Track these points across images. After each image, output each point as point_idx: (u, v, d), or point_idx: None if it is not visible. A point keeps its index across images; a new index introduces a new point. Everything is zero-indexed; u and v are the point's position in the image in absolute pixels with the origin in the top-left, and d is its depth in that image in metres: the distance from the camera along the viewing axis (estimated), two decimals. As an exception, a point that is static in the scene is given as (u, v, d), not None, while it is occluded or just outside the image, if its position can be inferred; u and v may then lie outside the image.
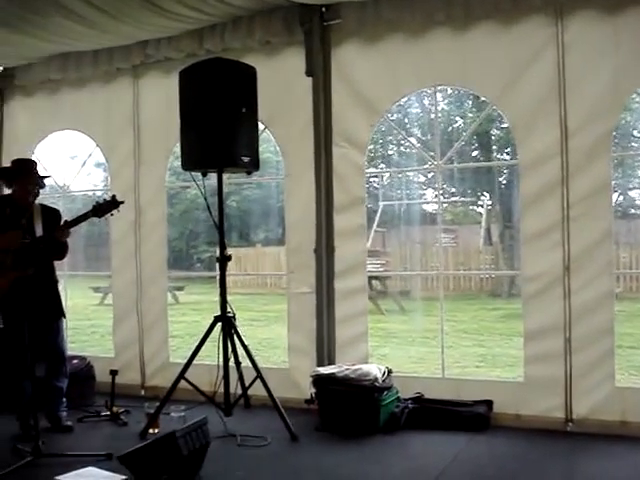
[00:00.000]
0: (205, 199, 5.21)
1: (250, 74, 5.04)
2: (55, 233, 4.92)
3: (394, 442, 4.86)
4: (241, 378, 5.22)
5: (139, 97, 6.57)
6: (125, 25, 5.59)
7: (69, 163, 7.51)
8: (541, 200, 5.07)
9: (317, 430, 5.13)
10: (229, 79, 4.90)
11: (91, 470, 4.27)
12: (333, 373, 5.17)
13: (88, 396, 6.03)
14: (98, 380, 6.26)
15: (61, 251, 5.17)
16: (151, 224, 6.52)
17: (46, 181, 5.29)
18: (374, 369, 5.17)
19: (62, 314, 5.31)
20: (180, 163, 5.17)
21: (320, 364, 5.56)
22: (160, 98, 6.32)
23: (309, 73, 5.63)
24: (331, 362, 5.60)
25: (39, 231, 4.97)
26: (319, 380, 5.23)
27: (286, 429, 4.94)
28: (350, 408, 5.07)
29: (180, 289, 16.02)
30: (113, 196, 4.90)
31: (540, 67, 5.04)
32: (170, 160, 6.59)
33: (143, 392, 6.47)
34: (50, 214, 5.20)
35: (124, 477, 4.05)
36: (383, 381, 5.14)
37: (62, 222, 4.99)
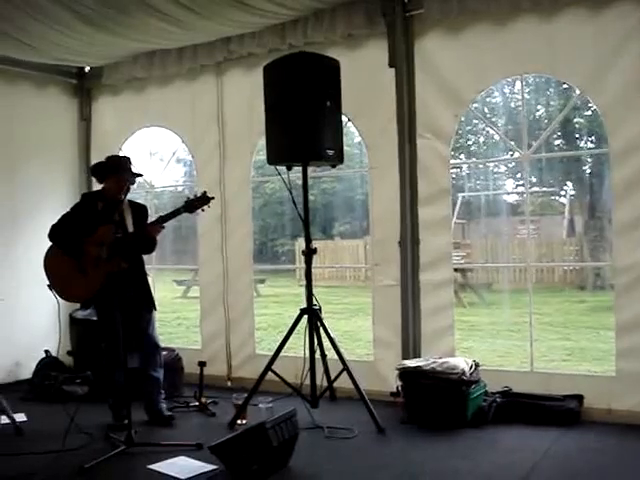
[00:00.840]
0: (290, 192, 5.22)
1: (333, 67, 5.04)
2: (148, 229, 5.02)
3: (482, 437, 4.78)
4: (327, 370, 5.24)
5: (223, 93, 6.66)
6: (209, 22, 5.65)
7: (151, 160, 7.60)
8: (635, 189, 4.90)
9: (403, 423, 5.09)
10: (313, 73, 4.91)
11: (182, 460, 4.36)
12: (419, 366, 5.13)
13: (177, 387, 6.15)
14: (186, 371, 6.39)
15: (151, 246, 5.27)
16: (237, 218, 6.61)
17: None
18: (461, 362, 5.10)
19: (154, 306, 5.42)
20: (264, 157, 5.22)
21: (405, 357, 5.53)
22: (243, 94, 6.39)
23: (392, 64, 5.60)
24: (417, 355, 5.56)
25: (130, 226, 5.09)
26: (405, 373, 5.19)
27: (372, 421, 4.94)
28: (437, 401, 5.02)
29: (262, 282, 16.18)
30: (204, 192, 4.97)
31: (631, 52, 4.87)
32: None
33: (229, 383, 6.57)
34: (138, 210, 5.32)
35: (215, 467, 4.12)
36: (471, 374, 5.06)
37: (156, 218, 5.07)
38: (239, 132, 6.55)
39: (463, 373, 4.99)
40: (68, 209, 5.30)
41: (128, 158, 5.32)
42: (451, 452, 4.47)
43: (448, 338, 5.67)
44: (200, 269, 7.16)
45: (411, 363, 5.24)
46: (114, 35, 5.92)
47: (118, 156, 5.49)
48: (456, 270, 13.57)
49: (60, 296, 5.04)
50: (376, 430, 4.89)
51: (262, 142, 5.52)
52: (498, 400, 5.11)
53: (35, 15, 5.25)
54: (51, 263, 5.11)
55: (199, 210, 4.94)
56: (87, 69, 7.57)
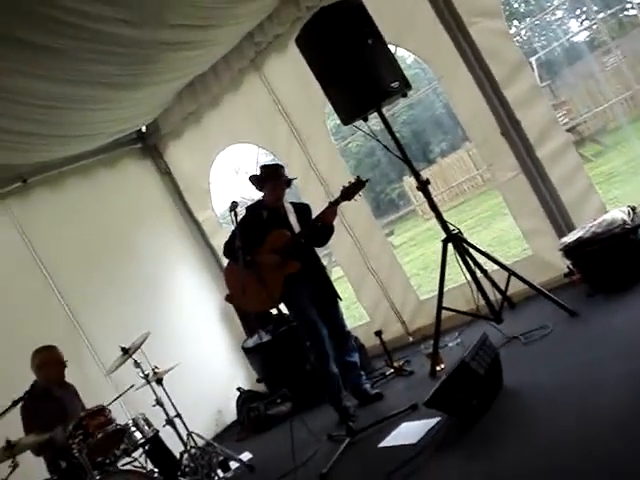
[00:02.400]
0: (378, 140, 5.16)
1: (358, 6, 4.89)
2: (324, 217, 5.05)
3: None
4: (494, 284, 5.14)
5: (271, 85, 6.64)
6: (222, 29, 5.62)
7: (239, 175, 7.80)
8: None
9: (589, 296, 4.94)
10: (341, 22, 4.77)
11: (405, 426, 4.40)
12: (580, 236, 4.94)
13: (366, 364, 6.21)
14: (367, 347, 6.46)
15: (328, 234, 5.30)
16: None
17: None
18: (617, 214, 4.87)
19: (338, 296, 5.46)
20: (338, 122, 5.17)
21: (562, 235, 5.34)
22: (290, 75, 6.35)
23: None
24: (571, 228, 5.36)
25: (296, 226, 5.23)
26: (570, 249, 5.01)
27: (561, 309, 4.81)
28: (612, 262, 4.80)
29: (391, 234, 16.12)
30: (357, 177, 5.00)
31: None
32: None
33: (411, 339, 6.59)
34: (301, 209, 5.43)
35: (437, 419, 4.13)
36: (632, 220, 4.84)
37: (327, 205, 5.09)
38: (304, 111, 6.52)
39: (624, 223, 4.77)
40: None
41: (280, 165, 5.42)
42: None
43: (593, 198, 5.46)
44: (332, 250, 7.21)
45: (570, 238, 5.05)
46: (149, 86, 5.99)
47: (270, 165, 5.52)
48: (567, 131, 13.12)
49: (247, 309, 5.23)
50: (568, 315, 4.76)
51: (329, 109, 5.48)
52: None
53: (72, 106, 5.35)
54: (230, 279, 5.32)
55: (356, 196, 4.96)
56: (144, 129, 7.73)
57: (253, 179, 5.32)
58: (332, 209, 5.01)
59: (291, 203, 5.39)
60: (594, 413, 3.26)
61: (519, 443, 3.37)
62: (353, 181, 4.95)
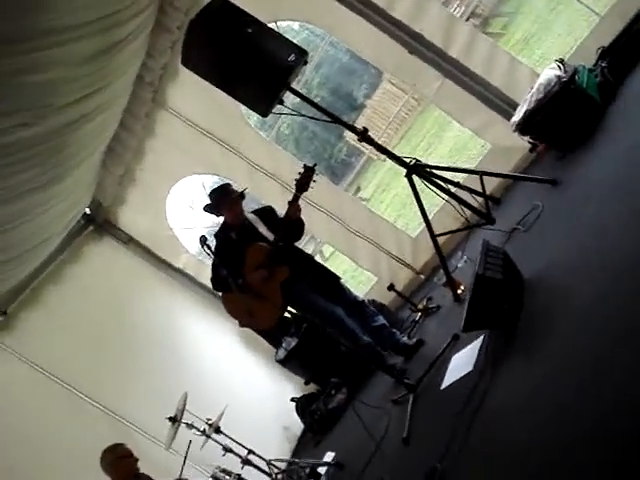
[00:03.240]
0: (302, 115, 5.15)
1: (222, 4, 4.78)
2: (288, 213, 5.02)
3: None
4: (471, 190, 5.06)
5: (181, 113, 6.57)
6: (116, 83, 5.55)
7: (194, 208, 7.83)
8: None
9: (560, 159, 4.89)
10: (214, 26, 4.63)
11: (456, 358, 4.37)
12: (526, 110, 4.86)
13: (395, 320, 6.21)
14: (387, 304, 6.49)
15: (300, 229, 5.31)
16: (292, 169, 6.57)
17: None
18: (549, 73, 4.85)
19: (335, 276, 5.50)
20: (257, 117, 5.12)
21: (510, 117, 5.29)
22: (192, 95, 6.29)
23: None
24: (515, 106, 5.30)
25: (268, 234, 5.23)
26: (523, 126, 4.98)
27: (541, 184, 4.79)
28: (564, 118, 4.75)
29: (358, 190, 16.08)
30: (304, 166, 4.95)
31: None
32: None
33: (422, 277, 6.62)
34: (265, 213, 5.44)
35: (481, 338, 4.12)
36: (565, 72, 4.80)
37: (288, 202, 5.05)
38: (223, 122, 6.52)
39: (559, 78, 4.75)
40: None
41: (224, 184, 5.46)
42: None
43: (520, 68, 5.60)
44: (313, 233, 7.24)
45: (518, 115, 5.01)
46: (72, 170, 5.72)
47: (215, 188, 5.48)
48: (467, 20, 13.04)
49: (258, 328, 5.23)
50: (550, 187, 4.69)
51: (244, 109, 5.45)
52: None
53: (7, 226, 5.18)
54: (231, 308, 5.29)
55: (312, 183, 4.91)
56: (88, 211, 7.58)
57: (208, 209, 5.32)
58: (294, 205, 4.97)
59: (253, 212, 5.38)
60: (616, 261, 3.27)
61: (566, 325, 3.38)
62: (302, 171, 4.90)
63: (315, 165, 4.89)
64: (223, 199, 5.25)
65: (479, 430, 3.47)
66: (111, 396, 6.45)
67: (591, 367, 2.81)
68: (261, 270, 5.04)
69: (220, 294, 5.46)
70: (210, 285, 5.47)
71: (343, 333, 5.29)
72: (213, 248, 4.93)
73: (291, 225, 5.09)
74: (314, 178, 4.88)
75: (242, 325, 5.29)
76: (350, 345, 5.31)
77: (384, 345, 5.39)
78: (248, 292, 4.87)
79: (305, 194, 6.16)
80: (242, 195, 5.30)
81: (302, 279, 5.19)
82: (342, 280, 5.53)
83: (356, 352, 5.42)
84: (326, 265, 5.60)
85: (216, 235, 5.43)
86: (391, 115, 18.17)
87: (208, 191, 5.45)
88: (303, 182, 4.85)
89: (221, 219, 5.41)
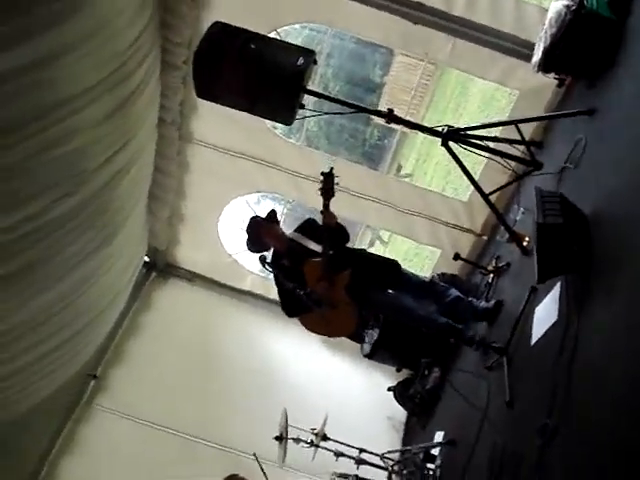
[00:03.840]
0: (325, 113, 5.12)
1: (220, 28, 4.80)
2: (323, 223, 4.89)
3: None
4: (510, 141, 5.03)
5: (207, 140, 6.63)
6: (140, 134, 5.65)
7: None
8: None
9: (590, 88, 4.74)
10: (218, 51, 4.64)
11: (539, 310, 4.31)
12: (544, 47, 4.75)
13: (469, 288, 6.15)
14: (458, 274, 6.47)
15: (342, 233, 5.25)
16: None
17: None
18: (557, 5, 4.71)
19: (395, 264, 5.47)
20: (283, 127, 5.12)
21: (530, 58, 5.19)
22: (215, 122, 6.35)
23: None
24: (532, 47, 5.19)
25: (315, 246, 5.19)
26: (544, 64, 4.85)
27: (578, 116, 4.69)
28: (583, 46, 4.61)
29: (400, 169, 15.91)
30: (321, 173, 4.73)
31: None
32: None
33: (485, 237, 6.55)
34: (307, 227, 5.40)
35: (558, 285, 4.07)
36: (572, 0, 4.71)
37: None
38: (254, 140, 6.54)
39: (568, 7, 4.61)
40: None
41: (253, 218, 5.35)
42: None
43: (527, 8, 5.42)
44: (365, 223, 7.18)
45: (537, 55, 4.92)
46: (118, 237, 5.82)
47: (248, 224, 5.36)
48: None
49: (342, 335, 5.23)
50: (588, 117, 4.57)
51: (268, 122, 5.46)
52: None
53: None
54: (313, 327, 5.28)
55: (335, 187, 4.73)
56: (146, 259, 7.74)
57: (251, 248, 5.29)
58: (327, 213, 4.83)
59: (295, 230, 5.34)
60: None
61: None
62: (321, 180, 4.71)
63: (332, 169, 4.71)
64: (257, 233, 5.20)
65: (580, 378, 3.43)
66: (215, 431, 6.53)
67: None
68: (321, 283, 4.99)
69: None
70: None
71: (416, 321, 5.34)
72: (273, 280, 4.95)
73: (332, 232, 5.00)
74: (336, 181, 4.69)
75: (331, 337, 5.30)
76: (427, 330, 5.31)
77: (464, 316, 5.36)
78: (320, 305, 4.89)
79: (348, 187, 6.26)
80: (271, 218, 5.22)
81: (364, 279, 5.14)
82: (402, 267, 5.48)
83: (434, 332, 5.45)
84: (383, 256, 5.57)
85: (270, 265, 5.25)
86: (412, 86, 18.02)
87: (243, 228, 5.37)
88: (327, 188, 4.69)
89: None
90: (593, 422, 3.17)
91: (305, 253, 5.13)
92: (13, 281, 4.28)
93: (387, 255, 5.87)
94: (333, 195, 4.67)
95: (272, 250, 5.34)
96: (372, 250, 16.97)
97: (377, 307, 5.35)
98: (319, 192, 4.68)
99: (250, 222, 5.28)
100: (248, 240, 5.27)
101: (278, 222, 5.29)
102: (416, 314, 5.30)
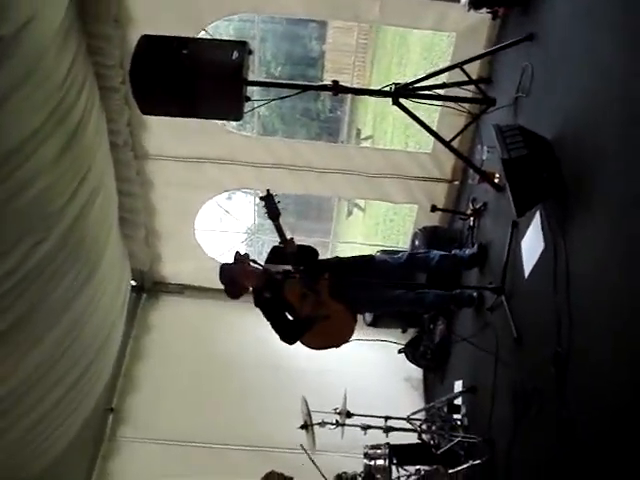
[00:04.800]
0: (273, 100, 5.07)
1: (147, 41, 4.73)
2: (285, 249, 4.85)
3: None
4: (459, 83, 5.05)
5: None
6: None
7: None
8: None
9: (524, 13, 4.77)
10: (152, 65, 4.58)
11: (525, 242, 4.36)
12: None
13: (452, 237, 6.20)
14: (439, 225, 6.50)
15: (311, 253, 5.24)
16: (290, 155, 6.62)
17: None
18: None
19: (369, 257, 5.54)
20: (235, 124, 5.08)
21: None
22: (168, 140, 6.31)
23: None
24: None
25: (290, 268, 5.02)
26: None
27: (520, 43, 4.70)
28: None
29: (359, 134, 15.86)
30: (260, 198, 4.72)
31: None
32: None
33: (456, 182, 6.56)
34: (274, 256, 5.24)
35: (537, 214, 4.11)
36: None
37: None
38: (207, 143, 6.51)
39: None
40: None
41: (221, 265, 5.20)
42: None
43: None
44: (334, 207, 7.18)
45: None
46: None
47: (219, 273, 5.17)
48: None
49: (349, 340, 5.20)
50: (529, 42, 4.60)
51: (219, 122, 5.41)
52: None
53: None
54: (316, 343, 5.22)
55: (279, 206, 4.65)
56: (133, 283, 7.69)
57: (233, 295, 5.12)
58: (286, 244, 4.76)
59: (265, 263, 5.22)
60: (621, 75, 3.22)
61: (613, 168, 3.34)
62: (261, 203, 4.63)
63: (269, 191, 4.60)
64: (231, 278, 5.05)
65: (580, 298, 3.47)
66: (241, 433, 6.55)
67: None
68: (308, 299, 4.94)
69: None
70: None
71: (408, 305, 5.47)
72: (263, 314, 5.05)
73: (299, 255, 4.95)
74: (277, 200, 4.59)
75: (339, 346, 5.23)
76: (421, 310, 5.46)
77: (457, 267, 5.41)
78: (314, 321, 4.92)
79: (312, 165, 6.27)
80: (239, 259, 5.06)
81: (344, 281, 5.05)
82: (377, 255, 5.61)
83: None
84: (353, 255, 5.62)
85: (256, 302, 5.22)
86: (352, 48, 17.96)
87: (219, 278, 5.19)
88: (271, 211, 4.59)
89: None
90: (602, 338, 3.22)
91: (282, 277, 4.98)
92: (6, 340, 4.25)
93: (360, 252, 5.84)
94: (280, 214, 4.60)
95: (252, 290, 5.19)
96: (352, 218, 17.03)
97: (366, 307, 5.37)
98: (266, 217, 4.64)
99: (221, 271, 5.12)
100: (226, 289, 5.11)
101: (246, 258, 5.16)
102: (404, 299, 5.36)
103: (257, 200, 4.72)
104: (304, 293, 4.98)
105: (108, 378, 6.47)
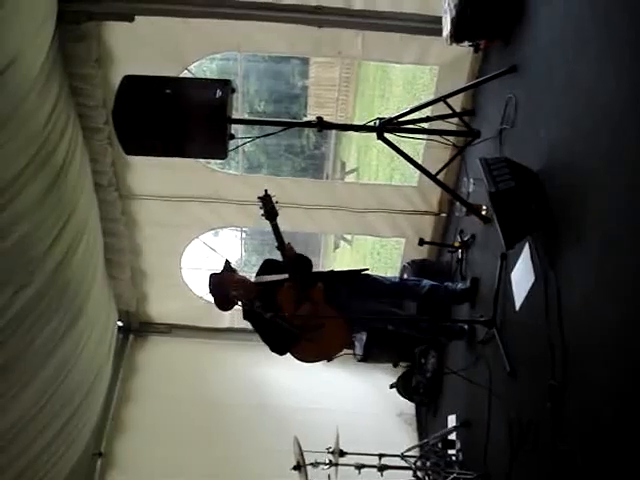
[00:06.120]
0: (257, 137, 5.08)
1: (129, 82, 4.70)
2: (284, 259, 4.82)
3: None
4: (442, 116, 5.06)
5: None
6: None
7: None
8: None
9: (507, 45, 4.77)
10: (135, 105, 4.55)
11: (515, 275, 4.32)
12: (451, 18, 4.82)
13: (441, 268, 6.20)
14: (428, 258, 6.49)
15: (306, 263, 5.14)
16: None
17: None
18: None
19: (360, 272, 5.42)
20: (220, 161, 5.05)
21: (440, 33, 5.24)
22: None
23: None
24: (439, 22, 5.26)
25: (283, 277, 5.01)
26: (454, 34, 4.84)
27: (503, 75, 4.71)
28: (488, 10, 4.69)
29: (344, 167, 15.89)
30: (258, 198, 4.62)
31: None
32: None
33: (443, 215, 6.54)
34: (266, 268, 5.23)
35: (527, 245, 4.08)
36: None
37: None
38: (191, 182, 6.47)
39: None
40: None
41: (210, 276, 5.09)
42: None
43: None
44: (321, 241, 7.16)
45: (446, 27, 4.94)
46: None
47: (208, 286, 5.10)
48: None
49: (342, 352, 5.14)
50: (513, 75, 4.62)
51: (202, 161, 5.39)
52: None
53: None
54: (308, 356, 5.12)
55: (276, 207, 4.59)
56: (119, 324, 7.62)
57: (222, 307, 5.12)
58: (282, 245, 4.73)
59: (257, 275, 5.21)
60: (607, 105, 3.24)
61: (600, 198, 3.33)
62: (261, 208, 4.58)
63: (266, 191, 4.58)
64: (221, 286, 4.99)
65: (573, 330, 3.43)
66: (233, 474, 6.45)
67: None
68: (303, 306, 4.91)
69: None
70: None
71: (403, 325, 5.45)
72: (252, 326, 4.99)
73: (294, 263, 4.92)
74: (274, 200, 4.54)
75: (330, 360, 5.15)
76: (414, 333, 5.50)
77: (447, 300, 5.38)
78: (306, 329, 4.82)
79: (298, 202, 6.25)
80: (228, 268, 5.05)
81: (338, 292, 5.06)
82: (370, 272, 5.46)
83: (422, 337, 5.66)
84: (348, 269, 5.55)
85: (245, 317, 5.18)
86: (335, 83, 18.09)
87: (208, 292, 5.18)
88: (268, 210, 4.56)
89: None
90: (596, 370, 3.18)
91: (274, 286, 4.99)
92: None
93: (354, 267, 5.79)
94: (277, 214, 4.58)
95: (241, 302, 5.12)
96: (339, 251, 17.00)
97: (360, 320, 5.32)
98: (263, 217, 4.59)
99: (211, 280, 5.05)
100: (216, 298, 5.07)
101: (235, 271, 5.12)
102: (400, 318, 5.41)
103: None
104: (299, 300, 4.93)
105: (96, 422, 6.35)
